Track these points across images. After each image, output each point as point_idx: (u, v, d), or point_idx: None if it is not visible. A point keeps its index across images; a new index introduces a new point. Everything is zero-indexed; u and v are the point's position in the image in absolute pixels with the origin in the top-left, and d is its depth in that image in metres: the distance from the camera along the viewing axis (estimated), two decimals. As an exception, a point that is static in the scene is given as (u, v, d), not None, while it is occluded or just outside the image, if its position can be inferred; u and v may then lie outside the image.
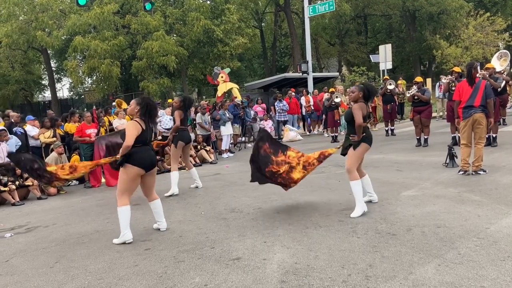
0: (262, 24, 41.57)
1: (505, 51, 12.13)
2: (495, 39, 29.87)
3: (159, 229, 5.74)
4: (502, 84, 10.27)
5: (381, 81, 20.37)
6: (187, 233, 5.53)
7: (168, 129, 12.31)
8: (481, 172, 7.31)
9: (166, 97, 27.43)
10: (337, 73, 35.49)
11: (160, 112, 12.64)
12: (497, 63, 11.13)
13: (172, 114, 11.87)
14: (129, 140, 5.26)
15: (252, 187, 8.11)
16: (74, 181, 11.02)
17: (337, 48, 39.71)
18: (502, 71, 11.18)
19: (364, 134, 5.79)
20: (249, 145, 15.72)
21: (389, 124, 14.24)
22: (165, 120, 12.96)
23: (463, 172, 7.44)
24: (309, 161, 6.07)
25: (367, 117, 5.89)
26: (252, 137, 16.26)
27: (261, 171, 5.98)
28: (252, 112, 16.53)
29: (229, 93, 18.76)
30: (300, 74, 22.24)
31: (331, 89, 16.59)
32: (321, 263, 4.16)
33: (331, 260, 4.20)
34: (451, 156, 8.23)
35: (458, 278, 3.62)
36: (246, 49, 31.12)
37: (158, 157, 10.53)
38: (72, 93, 43.38)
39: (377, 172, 7.30)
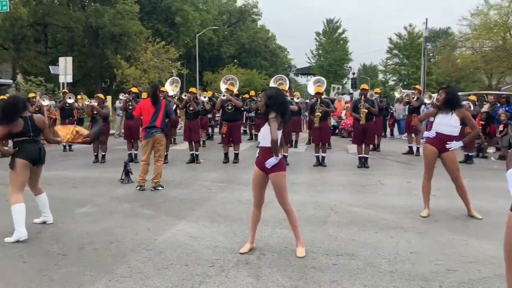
0: None
1: (176, 78, 13.55)
2: (169, 66, 33.18)
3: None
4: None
5: (61, 94, 19.50)
6: None
7: None
8: (160, 188, 7.88)
9: None
10: (11, 81, 32.04)
11: None
12: (170, 88, 12.25)
13: None
14: None
15: None
16: None
17: (11, 53, 35.93)
18: (174, 96, 12.42)
19: (18, 148, 5.16)
20: None
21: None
22: None
23: (139, 187, 7.83)
24: None
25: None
26: None
27: None
28: None
29: None
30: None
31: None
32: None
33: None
34: (127, 172, 8.55)
35: (126, 291, 3.74)
36: None
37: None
38: None
39: (51, 189, 6.88)
